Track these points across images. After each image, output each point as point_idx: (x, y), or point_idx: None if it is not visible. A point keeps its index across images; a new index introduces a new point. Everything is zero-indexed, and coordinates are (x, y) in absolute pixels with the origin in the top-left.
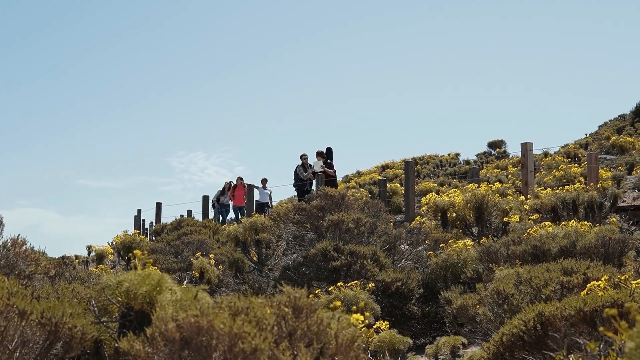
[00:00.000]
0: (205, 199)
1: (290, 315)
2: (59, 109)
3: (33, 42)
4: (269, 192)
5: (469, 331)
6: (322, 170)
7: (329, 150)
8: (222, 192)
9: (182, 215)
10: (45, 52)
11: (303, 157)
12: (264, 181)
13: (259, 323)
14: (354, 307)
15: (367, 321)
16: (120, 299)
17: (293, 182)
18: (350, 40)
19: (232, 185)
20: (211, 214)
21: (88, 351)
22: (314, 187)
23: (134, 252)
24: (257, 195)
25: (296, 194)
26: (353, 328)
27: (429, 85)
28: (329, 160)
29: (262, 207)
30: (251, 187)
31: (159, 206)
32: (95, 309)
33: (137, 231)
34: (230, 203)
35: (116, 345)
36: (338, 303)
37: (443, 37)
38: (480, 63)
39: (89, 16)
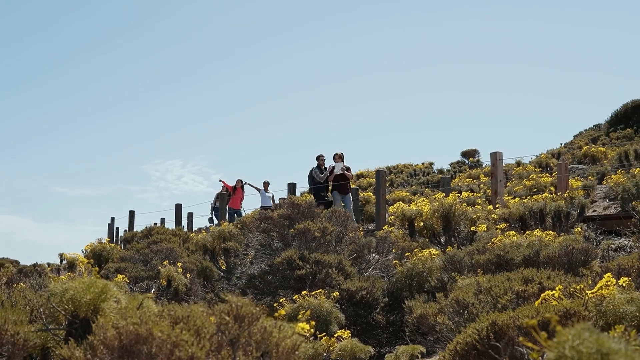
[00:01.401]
0: (179, 207)
1: (232, 324)
2: (35, 117)
3: (2, 53)
4: (271, 195)
5: (433, 340)
6: (342, 172)
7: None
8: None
9: (155, 224)
10: (19, 62)
11: (320, 158)
12: (266, 184)
13: (199, 331)
14: (310, 316)
15: (311, 330)
16: (66, 306)
17: (308, 187)
18: (322, 50)
19: (232, 187)
20: (216, 220)
21: (37, 358)
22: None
23: (80, 260)
24: (259, 199)
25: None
26: (295, 337)
27: (405, 94)
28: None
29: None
30: (249, 188)
31: (131, 214)
32: (43, 316)
33: (108, 239)
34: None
35: (57, 352)
36: (306, 312)
37: (417, 46)
38: (457, 72)
39: (63, 26)
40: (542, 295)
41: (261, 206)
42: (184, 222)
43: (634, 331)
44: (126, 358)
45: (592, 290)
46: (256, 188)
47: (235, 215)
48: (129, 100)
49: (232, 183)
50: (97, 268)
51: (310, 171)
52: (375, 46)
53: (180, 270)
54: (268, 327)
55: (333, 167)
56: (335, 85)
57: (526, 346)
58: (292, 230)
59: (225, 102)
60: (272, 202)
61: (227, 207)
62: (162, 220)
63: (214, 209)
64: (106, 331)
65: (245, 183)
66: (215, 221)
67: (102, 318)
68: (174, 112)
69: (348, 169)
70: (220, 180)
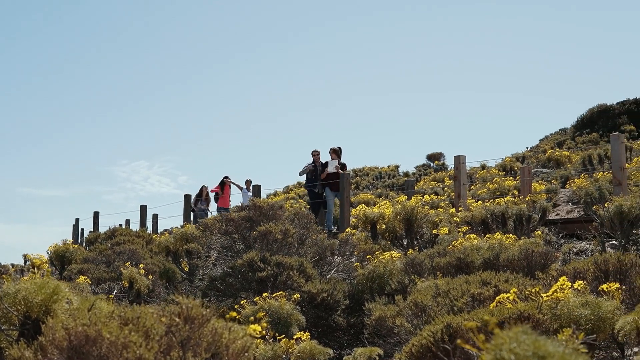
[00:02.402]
0: (143, 208)
1: (182, 325)
2: (1, 118)
3: None
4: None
5: (393, 343)
6: (336, 171)
7: (339, 149)
8: (199, 196)
9: (120, 225)
10: None
11: (314, 153)
12: (248, 183)
13: (148, 332)
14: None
15: (263, 332)
16: (19, 307)
17: (304, 184)
18: (288, 53)
19: (219, 186)
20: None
21: None
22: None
23: (34, 261)
24: (241, 198)
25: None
26: (246, 338)
27: (371, 96)
28: (341, 160)
29: None
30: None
31: (96, 215)
32: None
33: (71, 240)
34: (208, 207)
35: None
36: (263, 314)
37: (383, 49)
38: (424, 75)
39: (31, 29)
40: (497, 298)
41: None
42: (149, 223)
43: (582, 334)
44: (76, 359)
45: (547, 294)
46: (238, 186)
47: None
48: (96, 102)
49: (214, 185)
50: (50, 269)
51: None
52: (342, 49)
53: (142, 271)
54: (219, 329)
55: (327, 163)
56: (301, 88)
57: (477, 348)
58: (254, 232)
59: (192, 103)
60: None
61: (217, 207)
62: (127, 222)
63: (192, 210)
64: (55, 332)
65: (228, 179)
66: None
67: (52, 319)
68: (141, 113)
69: (343, 166)
70: (211, 191)
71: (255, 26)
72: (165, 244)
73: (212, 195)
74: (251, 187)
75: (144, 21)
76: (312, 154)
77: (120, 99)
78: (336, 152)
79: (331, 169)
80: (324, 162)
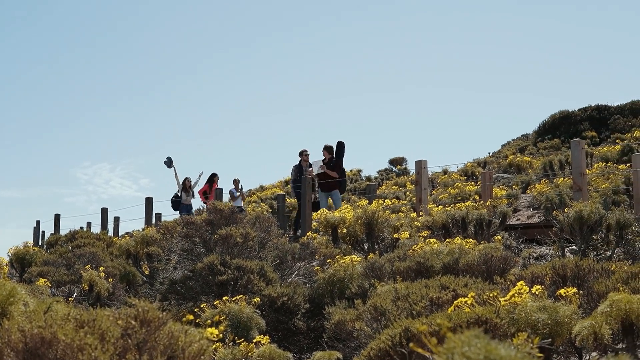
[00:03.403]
0: (105, 211)
1: (138, 328)
2: None
3: None
4: (239, 193)
5: (353, 347)
6: (323, 171)
7: (340, 145)
8: (184, 190)
9: (82, 228)
10: None
11: (303, 154)
12: (236, 182)
13: (104, 335)
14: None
15: (221, 335)
16: None
17: (291, 185)
18: (250, 56)
19: (207, 184)
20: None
21: None
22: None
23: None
24: (226, 198)
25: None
26: (202, 341)
27: (333, 100)
28: (334, 158)
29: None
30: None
31: (57, 218)
32: None
33: (32, 243)
34: (192, 202)
35: None
36: (219, 317)
37: (347, 52)
38: (388, 79)
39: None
40: (455, 302)
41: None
42: (110, 226)
43: (538, 338)
44: None
45: (505, 298)
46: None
47: None
48: (57, 103)
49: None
50: (9, 272)
51: (292, 170)
52: (302, 53)
53: (102, 274)
54: (175, 332)
55: (311, 165)
56: (262, 92)
57: (432, 352)
58: (215, 235)
59: (156, 105)
60: (242, 202)
61: (206, 207)
62: (89, 225)
63: (175, 202)
64: (11, 334)
65: (216, 178)
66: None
67: (9, 321)
68: (103, 115)
69: (335, 166)
70: (199, 192)
71: (214, 29)
72: (126, 247)
73: (196, 193)
74: (240, 187)
75: (106, 20)
76: (300, 154)
77: (82, 101)
78: (328, 150)
79: (316, 170)
80: (312, 162)
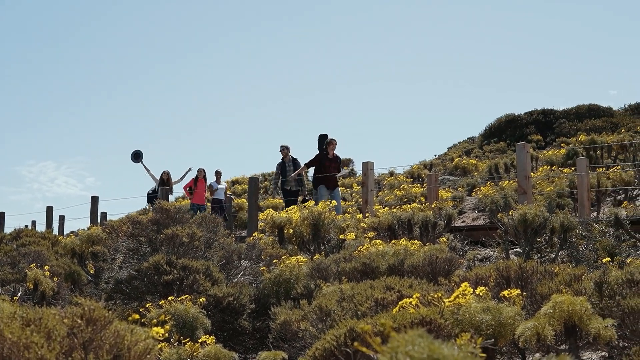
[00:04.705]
0: (50, 210)
1: (84, 327)
2: None
3: None
4: (223, 187)
5: (298, 347)
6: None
7: (322, 138)
8: (162, 184)
9: (26, 226)
10: None
11: (282, 150)
12: (218, 174)
13: (50, 334)
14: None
15: (167, 335)
16: None
17: (274, 181)
18: (200, 60)
19: (193, 179)
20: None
21: None
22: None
23: None
24: (207, 192)
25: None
26: (148, 341)
27: (281, 102)
28: (326, 153)
29: (217, 206)
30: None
31: (2, 216)
32: None
33: None
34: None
35: None
36: (165, 317)
37: (295, 53)
38: (337, 80)
39: None
40: (399, 303)
41: (213, 199)
42: (55, 225)
43: (481, 339)
44: None
45: (449, 299)
46: (152, 176)
47: (199, 211)
48: (1, 101)
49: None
50: None
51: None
52: (248, 55)
53: (47, 273)
54: (121, 331)
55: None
56: (212, 92)
57: (376, 351)
58: (161, 235)
59: (103, 102)
60: (224, 196)
61: (191, 204)
62: (34, 223)
63: (150, 198)
64: None
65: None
66: None
67: None
68: (49, 113)
69: (338, 159)
70: (184, 187)
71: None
72: (71, 246)
73: (179, 189)
74: (221, 179)
75: (56, 13)
76: (280, 151)
77: (28, 99)
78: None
79: (343, 172)
80: (294, 157)
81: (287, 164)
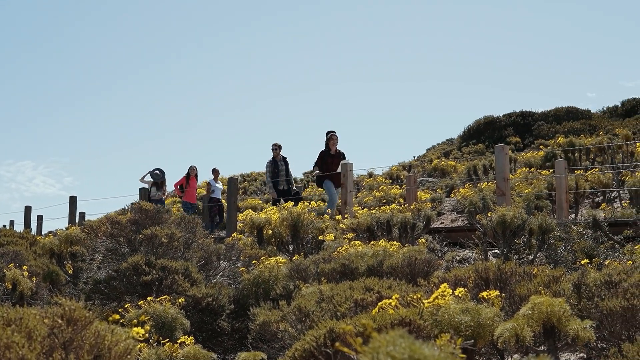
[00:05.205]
0: (28, 209)
1: (64, 327)
2: None
3: None
4: (221, 186)
5: (277, 348)
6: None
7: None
8: (156, 185)
9: (4, 226)
10: None
11: (272, 148)
12: (216, 173)
13: (31, 334)
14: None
15: (146, 335)
16: None
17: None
18: (181, 61)
19: (185, 177)
20: None
21: None
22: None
23: None
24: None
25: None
26: (128, 341)
27: (257, 102)
28: (328, 150)
29: (216, 205)
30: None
31: None
32: None
33: None
34: (164, 195)
35: None
36: (145, 317)
37: (275, 54)
38: (315, 82)
39: None
40: (379, 304)
41: (211, 198)
42: (34, 224)
43: (461, 340)
44: None
45: (428, 300)
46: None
47: (191, 210)
48: None
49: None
50: None
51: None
52: (227, 58)
53: (26, 273)
54: (101, 331)
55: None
56: (188, 94)
57: (357, 352)
58: (140, 235)
59: (81, 102)
60: (221, 195)
61: (183, 202)
62: (12, 223)
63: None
64: None
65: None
66: None
67: None
68: (27, 112)
69: (341, 155)
70: (175, 184)
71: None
72: (49, 246)
73: (169, 187)
74: (218, 179)
75: (35, 14)
76: (271, 148)
77: (5, 98)
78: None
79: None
80: (284, 156)
81: (279, 162)
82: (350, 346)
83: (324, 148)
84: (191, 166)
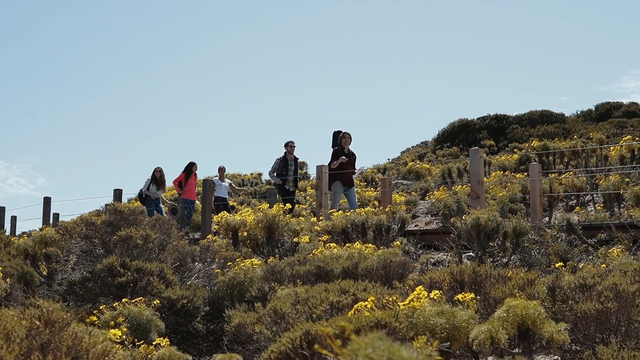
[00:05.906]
0: (1, 210)
1: (42, 328)
2: None
3: None
4: (226, 184)
5: (252, 350)
6: (342, 162)
7: (336, 134)
8: (155, 182)
9: None
10: None
11: (288, 145)
12: (222, 170)
13: (8, 335)
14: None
15: (122, 337)
16: None
17: (273, 180)
18: (161, 59)
19: (184, 173)
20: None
21: None
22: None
23: None
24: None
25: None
26: (106, 342)
27: (231, 103)
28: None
29: (221, 204)
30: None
31: None
32: None
33: None
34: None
35: None
36: (120, 319)
37: (256, 54)
38: (289, 85)
39: None
40: (355, 306)
41: (215, 197)
42: (7, 225)
43: (437, 342)
44: None
45: (404, 302)
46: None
47: (189, 208)
48: None
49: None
50: None
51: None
52: (202, 60)
53: (0, 274)
54: (79, 333)
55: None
56: (168, 94)
57: (334, 354)
58: (115, 237)
59: (53, 103)
60: (228, 193)
61: (182, 199)
62: None
63: (142, 197)
64: None
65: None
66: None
67: None
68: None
69: (352, 155)
70: (174, 181)
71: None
72: (23, 247)
73: (165, 184)
74: (225, 176)
75: (9, 13)
76: (285, 145)
77: None
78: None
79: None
80: (295, 156)
81: (290, 162)
82: (328, 348)
83: (339, 148)
84: (191, 162)
